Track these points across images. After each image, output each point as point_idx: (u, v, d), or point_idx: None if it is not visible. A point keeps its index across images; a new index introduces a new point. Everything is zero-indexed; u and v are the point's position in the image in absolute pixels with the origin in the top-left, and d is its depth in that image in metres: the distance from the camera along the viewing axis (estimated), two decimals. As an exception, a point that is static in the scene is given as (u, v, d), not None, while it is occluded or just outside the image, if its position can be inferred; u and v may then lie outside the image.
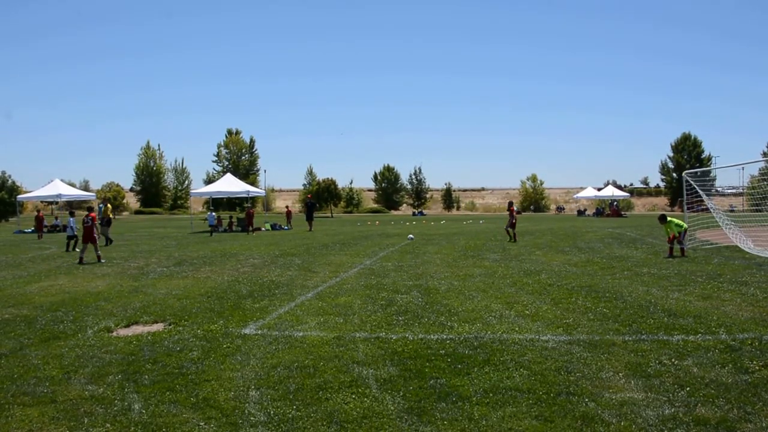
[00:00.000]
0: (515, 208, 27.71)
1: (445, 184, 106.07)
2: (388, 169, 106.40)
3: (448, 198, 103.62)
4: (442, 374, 7.04)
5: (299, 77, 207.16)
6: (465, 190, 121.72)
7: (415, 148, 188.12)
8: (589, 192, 78.97)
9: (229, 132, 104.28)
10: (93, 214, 20.84)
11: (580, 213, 75.71)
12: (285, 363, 7.61)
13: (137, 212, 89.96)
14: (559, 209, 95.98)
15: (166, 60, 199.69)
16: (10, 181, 64.61)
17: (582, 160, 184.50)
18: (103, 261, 19.94)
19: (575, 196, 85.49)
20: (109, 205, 32.19)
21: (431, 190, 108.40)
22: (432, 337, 8.84)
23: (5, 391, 6.76)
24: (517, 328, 9.30)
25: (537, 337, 8.75)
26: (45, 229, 43.00)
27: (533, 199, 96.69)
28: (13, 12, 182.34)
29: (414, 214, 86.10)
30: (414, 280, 14.45)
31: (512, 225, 26.71)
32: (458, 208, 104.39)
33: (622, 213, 68.91)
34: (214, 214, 38.19)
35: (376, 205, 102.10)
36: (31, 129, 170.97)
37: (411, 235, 30.09)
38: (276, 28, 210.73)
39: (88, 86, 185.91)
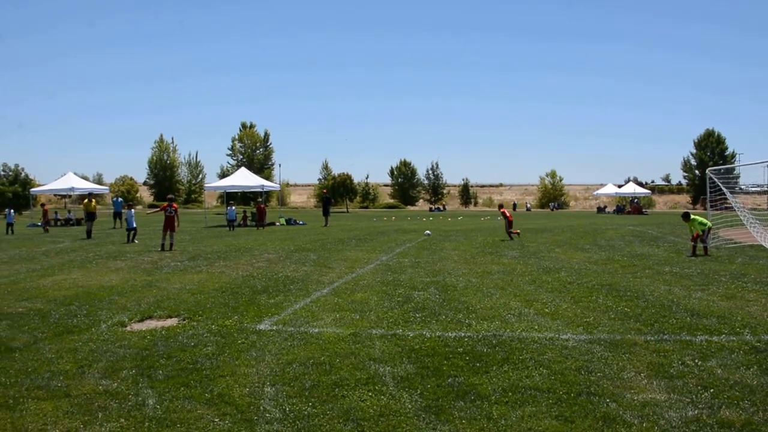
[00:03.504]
0: (506, 210, 27.51)
1: (463, 180, 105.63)
2: (405, 164, 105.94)
3: (466, 194, 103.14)
4: (460, 372, 6.92)
5: (315, 70, 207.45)
6: (483, 186, 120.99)
7: (432, 142, 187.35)
8: (610, 189, 78.25)
9: (244, 125, 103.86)
10: (175, 205, 22.92)
11: (600, 210, 75.12)
12: (300, 359, 7.51)
13: (151, 206, 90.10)
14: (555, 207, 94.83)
15: (180, 52, 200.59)
16: (23, 174, 64.99)
17: (602, 156, 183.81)
18: (175, 249, 21.86)
19: (595, 192, 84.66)
20: (94, 201, 32.24)
21: (448, 186, 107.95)
22: (450, 334, 8.71)
23: (19, 385, 6.71)
24: (536, 327, 9.15)
25: (557, 335, 8.61)
26: (58, 223, 43.30)
27: (552, 196, 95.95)
28: (22, 3, 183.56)
29: (431, 209, 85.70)
30: (431, 277, 14.30)
31: (510, 225, 26.51)
32: (476, 204, 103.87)
33: (644, 210, 68.28)
34: (234, 208, 38.10)
35: (392, 201, 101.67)
36: (44, 121, 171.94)
37: (428, 231, 29.96)
38: (292, 20, 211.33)
39: (100, 78, 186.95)
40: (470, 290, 12.46)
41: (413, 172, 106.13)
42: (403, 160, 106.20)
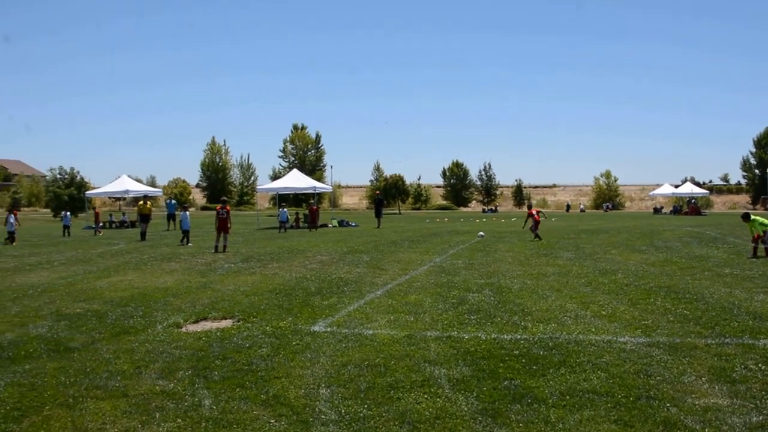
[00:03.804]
0: (535, 210, 27.31)
1: (516, 181, 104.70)
2: (457, 165, 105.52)
3: (519, 195, 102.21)
4: (517, 375, 6.81)
5: (366, 70, 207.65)
6: (536, 187, 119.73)
7: (485, 143, 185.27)
8: (666, 189, 76.46)
9: (295, 127, 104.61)
10: (228, 207, 23.04)
11: (657, 211, 73.63)
12: (355, 361, 7.49)
13: (203, 208, 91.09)
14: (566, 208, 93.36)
15: (230, 53, 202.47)
16: (78, 177, 66.32)
17: (658, 156, 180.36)
18: (228, 251, 22.01)
19: (651, 193, 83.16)
20: (149, 203, 32.73)
21: (501, 187, 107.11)
22: (505, 336, 8.59)
23: (79, 385, 6.82)
24: (593, 329, 8.97)
25: (614, 338, 8.42)
26: (113, 225, 44.15)
27: (607, 196, 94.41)
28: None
29: (484, 211, 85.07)
30: (485, 279, 14.14)
31: (536, 226, 26.36)
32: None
33: (702, 211, 66.68)
34: (285, 210, 38.40)
35: (444, 202, 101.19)
36: (99, 124, 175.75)
37: (481, 233, 29.68)
38: (344, 20, 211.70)
39: (153, 79, 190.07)
40: (525, 292, 12.29)
41: (465, 173, 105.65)
42: (455, 161, 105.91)
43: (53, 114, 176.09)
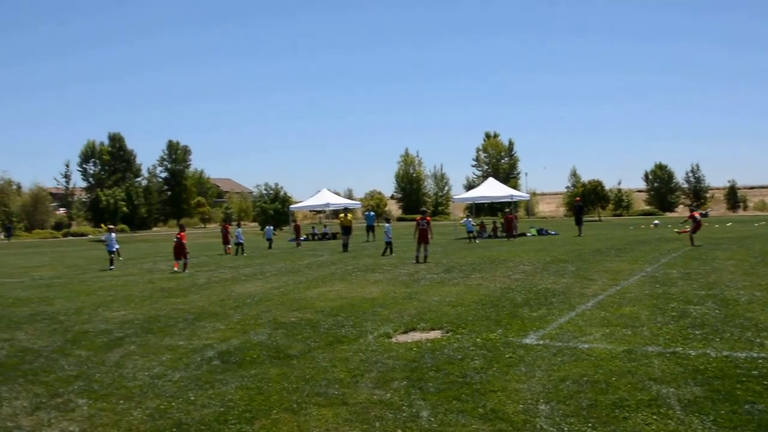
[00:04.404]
0: (698, 213, 25.52)
1: (729, 182, 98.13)
2: (660, 168, 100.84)
3: (733, 197, 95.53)
4: (759, 399, 6.17)
5: (556, 75, 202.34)
6: (752, 188, 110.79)
7: (691, 142, 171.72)
8: None
9: (488, 135, 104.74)
10: (428, 218, 23.41)
11: None
12: (573, 376, 7.17)
13: (399, 219, 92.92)
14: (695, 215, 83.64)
15: (420, 58, 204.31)
16: (282, 192, 70.00)
17: None
18: (428, 261, 22.15)
19: None
20: (350, 215, 33.66)
21: (711, 189, 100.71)
22: (739, 354, 7.86)
23: (301, 391, 7.04)
24: (843, 348, 8.02)
25: None
26: (315, 237, 45.98)
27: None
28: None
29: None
30: (706, 290, 13.12)
31: (695, 230, 25.10)
32: (745, 208, 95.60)
33: None
34: (470, 219, 38.42)
35: (647, 207, 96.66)
36: (297, 145, 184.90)
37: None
38: (538, 21, 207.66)
39: (345, 105, 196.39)
40: (756, 305, 11.21)
41: (670, 176, 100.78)
42: (658, 163, 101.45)
43: (261, 137, 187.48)
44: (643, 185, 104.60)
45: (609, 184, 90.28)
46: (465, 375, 7.40)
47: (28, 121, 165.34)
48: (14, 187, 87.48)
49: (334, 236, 45.08)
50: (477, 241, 34.90)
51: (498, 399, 6.50)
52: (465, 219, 39.85)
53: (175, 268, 22.58)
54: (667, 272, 16.44)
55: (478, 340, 9.22)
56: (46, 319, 12.67)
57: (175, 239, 23.51)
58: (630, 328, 9.62)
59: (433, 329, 10.25)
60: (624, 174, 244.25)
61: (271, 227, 40.10)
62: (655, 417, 5.82)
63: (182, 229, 24.84)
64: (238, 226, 34.51)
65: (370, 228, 41.34)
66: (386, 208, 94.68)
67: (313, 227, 51.79)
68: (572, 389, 6.72)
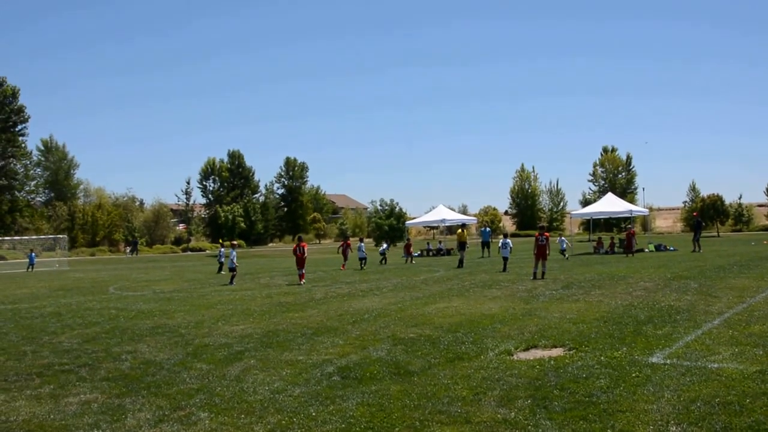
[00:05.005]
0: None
1: None
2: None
3: None
4: None
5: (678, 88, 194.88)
6: None
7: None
8: None
9: (605, 150, 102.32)
10: (547, 234, 23.28)
11: None
12: (704, 397, 6.88)
13: (513, 235, 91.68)
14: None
15: (533, 74, 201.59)
16: (398, 208, 70.57)
17: None
18: (546, 277, 21.93)
19: None
20: (465, 231, 33.60)
21: None
22: None
23: (422, 408, 7.05)
24: None
25: None
26: (429, 253, 46.00)
27: None
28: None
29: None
30: None
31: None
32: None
33: None
34: (564, 239, 38.25)
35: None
36: (413, 162, 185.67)
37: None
38: (655, 41, 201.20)
39: (455, 123, 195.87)
40: None
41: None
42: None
43: (374, 155, 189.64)
44: (764, 199, 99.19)
45: (729, 199, 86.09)
46: (591, 394, 7.23)
47: (152, 136, 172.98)
48: (137, 203, 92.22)
49: (448, 252, 44.99)
50: (566, 257, 34.51)
51: (627, 420, 6.31)
52: (559, 238, 39.30)
53: (302, 281, 23.62)
54: (799, 289, 15.54)
55: (602, 358, 9.00)
56: (167, 332, 13.24)
57: (299, 251, 24.44)
58: (761, 348, 9.18)
59: (555, 347, 10.08)
60: (744, 188, 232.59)
61: (386, 244, 40.44)
62: (798, 443, 5.52)
63: (301, 240, 25.72)
64: (361, 241, 35.09)
65: (485, 244, 41.03)
66: (500, 224, 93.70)
67: (427, 243, 51.89)
68: (704, 411, 6.45)
